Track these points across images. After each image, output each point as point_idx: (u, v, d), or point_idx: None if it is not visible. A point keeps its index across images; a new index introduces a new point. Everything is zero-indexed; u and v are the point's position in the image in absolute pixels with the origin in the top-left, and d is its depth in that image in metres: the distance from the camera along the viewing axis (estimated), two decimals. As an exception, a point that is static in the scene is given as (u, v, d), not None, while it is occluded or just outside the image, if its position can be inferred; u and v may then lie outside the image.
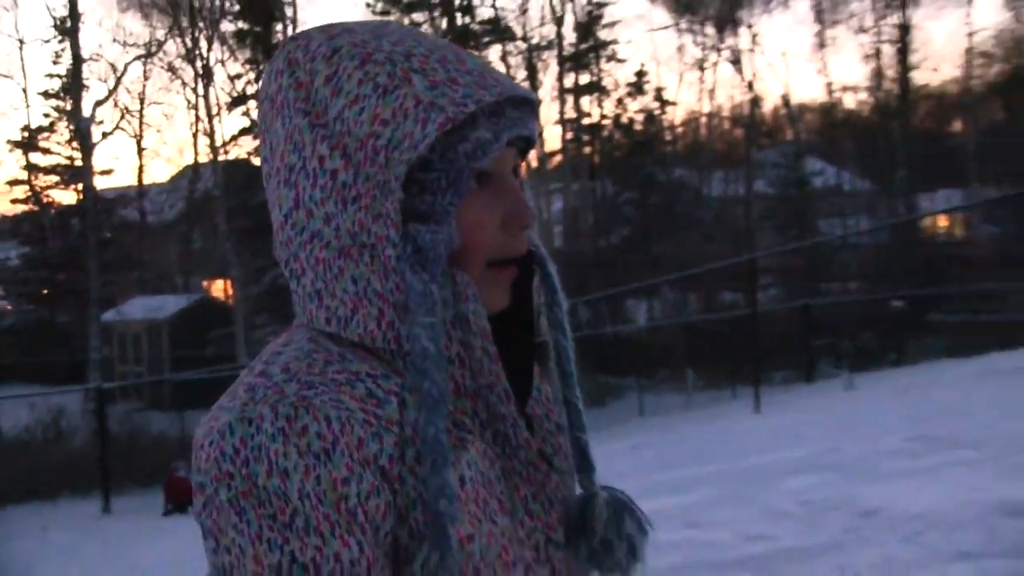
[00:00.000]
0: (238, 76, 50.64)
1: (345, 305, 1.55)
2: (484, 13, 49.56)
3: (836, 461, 12.37)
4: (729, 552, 9.14)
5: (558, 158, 49.66)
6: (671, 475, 14.07)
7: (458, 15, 48.49)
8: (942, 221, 52.13)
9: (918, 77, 54.19)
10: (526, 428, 1.65)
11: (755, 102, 54.05)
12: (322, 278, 1.57)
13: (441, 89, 1.51)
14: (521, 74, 48.95)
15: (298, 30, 1.60)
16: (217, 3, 49.74)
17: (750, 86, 53.38)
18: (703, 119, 55.13)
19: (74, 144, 49.00)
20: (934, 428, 13.88)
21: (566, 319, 1.75)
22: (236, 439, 1.44)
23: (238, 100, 50.66)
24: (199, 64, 49.91)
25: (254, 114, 47.23)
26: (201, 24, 49.47)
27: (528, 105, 1.61)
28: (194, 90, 50.65)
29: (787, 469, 11.51)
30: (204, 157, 50.89)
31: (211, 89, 50.20)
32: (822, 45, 54.23)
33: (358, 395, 1.48)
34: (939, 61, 51.58)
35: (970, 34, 54.82)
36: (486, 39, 49.15)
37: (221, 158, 50.56)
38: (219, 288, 50.59)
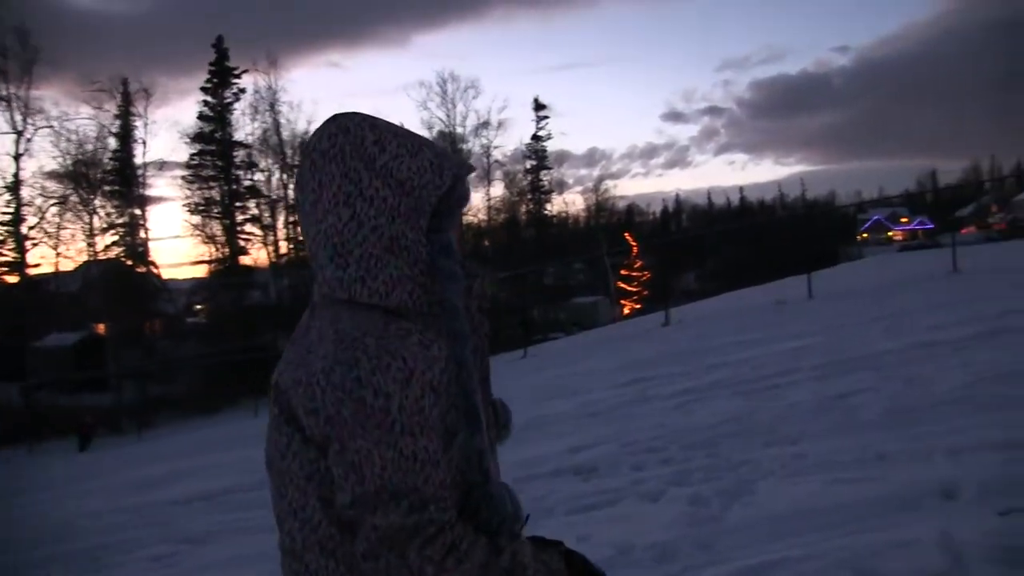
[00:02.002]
0: (109, 213, 47.96)
1: (386, 285, 1.40)
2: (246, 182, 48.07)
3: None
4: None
5: (287, 255, 48.18)
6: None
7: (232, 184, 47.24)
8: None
9: (466, 219, 55.08)
10: None
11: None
12: (366, 267, 1.40)
13: (440, 158, 1.46)
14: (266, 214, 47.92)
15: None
16: (99, 176, 47.21)
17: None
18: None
19: (17, 250, 45.47)
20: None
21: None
22: (339, 376, 1.31)
23: (109, 227, 48.24)
24: (89, 208, 47.28)
25: (122, 233, 45.36)
26: (90, 187, 46.84)
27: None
28: (85, 221, 47.59)
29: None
30: (89, 257, 47.97)
31: (94, 219, 47.58)
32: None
33: (414, 343, 1.35)
34: (477, 211, 53.23)
35: (489, 198, 56.29)
36: (248, 197, 47.78)
37: (100, 258, 47.77)
38: (100, 328, 47.39)
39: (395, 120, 1.58)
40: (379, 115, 1.51)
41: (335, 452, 1.34)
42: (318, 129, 1.50)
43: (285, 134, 49.17)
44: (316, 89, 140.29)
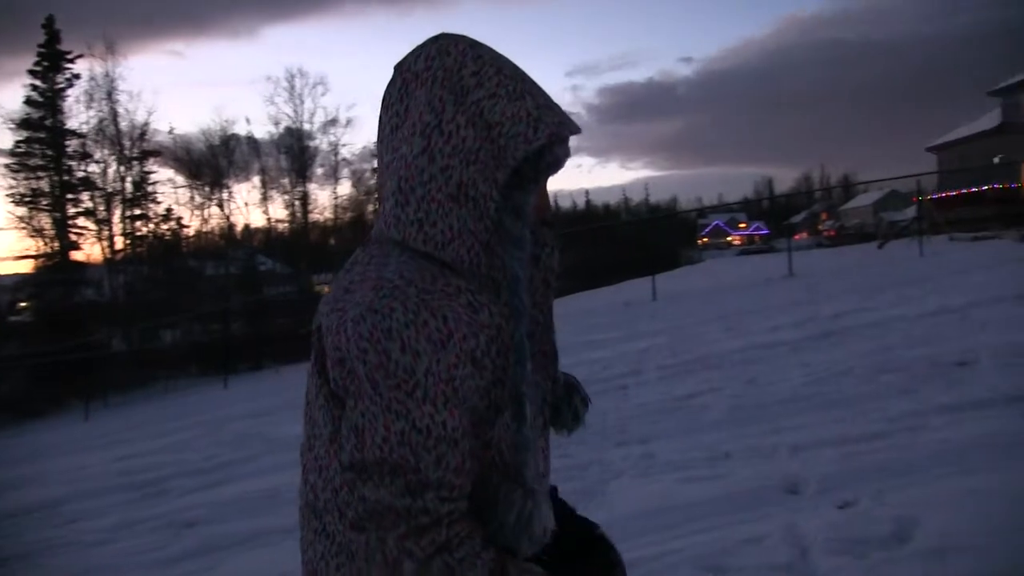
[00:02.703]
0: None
1: (444, 235, 1.27)
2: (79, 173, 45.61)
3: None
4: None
5: (124, 252, 46.17)
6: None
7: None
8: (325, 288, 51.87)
9: (312, 217, 54.18)
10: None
11: (230, 227, 52.61)
12: (425, 210, 1.27)
13: (542, 110, 1.28)
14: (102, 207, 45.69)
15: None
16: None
17: (227, 218, 51.92)
18: (204, 234, 52.94)
19: None
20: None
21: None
22: (368, 325, 1.18)
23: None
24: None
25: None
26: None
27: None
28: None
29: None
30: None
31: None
32: (265, 199, 53.16)
33: (462, 303, 1.22)
34: (323, 209, 52.08)
35: (336, 197, 55.62)
36: (81, 189, 45.34)
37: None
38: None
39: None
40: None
41: (348, 408, 1.23)
42: (417, 47, 1.37)
43: (123, 124, 46.79)
44: (157, 78, 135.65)
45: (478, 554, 1.22)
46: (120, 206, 46.61)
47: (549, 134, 1.28)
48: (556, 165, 1.34)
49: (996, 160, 35.44)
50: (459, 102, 1.28)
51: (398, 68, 1.38)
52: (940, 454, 4.31)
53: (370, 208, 60.04)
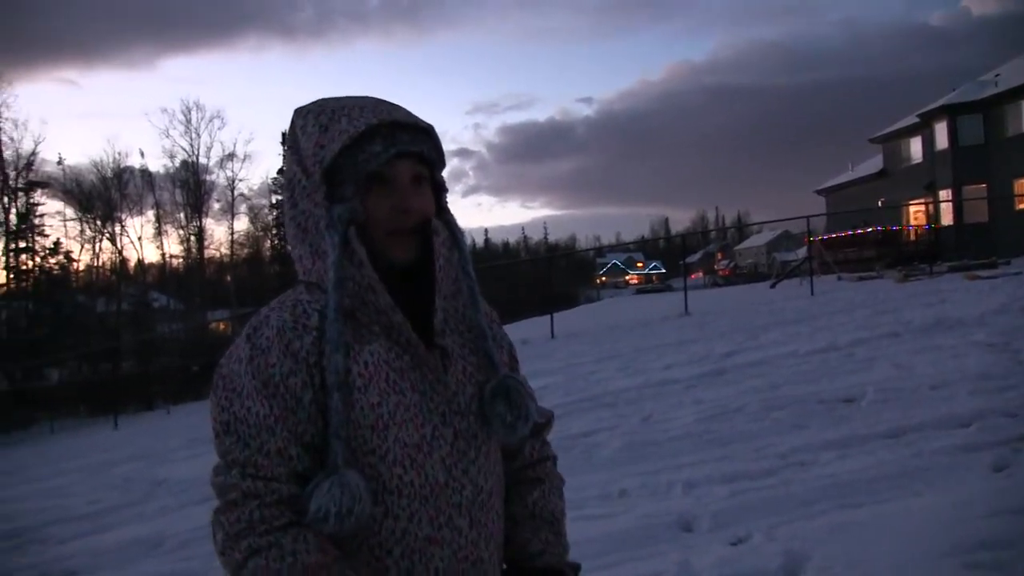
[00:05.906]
0: None
1: (302, 263, 1.48)
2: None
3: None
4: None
5: (6, 286, 44.28)
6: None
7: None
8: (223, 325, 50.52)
9: (208, 252, 53.17)
10: (434, 340, 1.46)
11: (122, 262, 51.19)
12: (292, 246, 1.51)
13: (354, 123, 1.42)
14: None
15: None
16: None
17: (119, 253, 50.54)
18: (94, 268, 51.33)
19: None
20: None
21: (469, 265, 1.55)
22: (234, 345, 1.43)
23: None
24: None
25: None
26: None
27: (422, 132, 1.49)
28: None
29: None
30: None
31: None
32: (159, 233, 51.96)
33: (296, 312, 1.40)
34: (219, 245, 51.94)
35: (232, 233, 54.77)
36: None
37: None
38: None
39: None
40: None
41: None
42: None
43: (7, 153, 45.12)
44: (47, 107, 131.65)
45: (285, 538, 1.30)
46: (3, 239, 44.81)
47: (344, 141, 1.42)
48: (374, 158, 1.44)
49: (879, 203, 37.02)
50: (294, 152, 1.49)
51: None
52: (827, 488, 4.42)
53: (267, 244, 59.25)
